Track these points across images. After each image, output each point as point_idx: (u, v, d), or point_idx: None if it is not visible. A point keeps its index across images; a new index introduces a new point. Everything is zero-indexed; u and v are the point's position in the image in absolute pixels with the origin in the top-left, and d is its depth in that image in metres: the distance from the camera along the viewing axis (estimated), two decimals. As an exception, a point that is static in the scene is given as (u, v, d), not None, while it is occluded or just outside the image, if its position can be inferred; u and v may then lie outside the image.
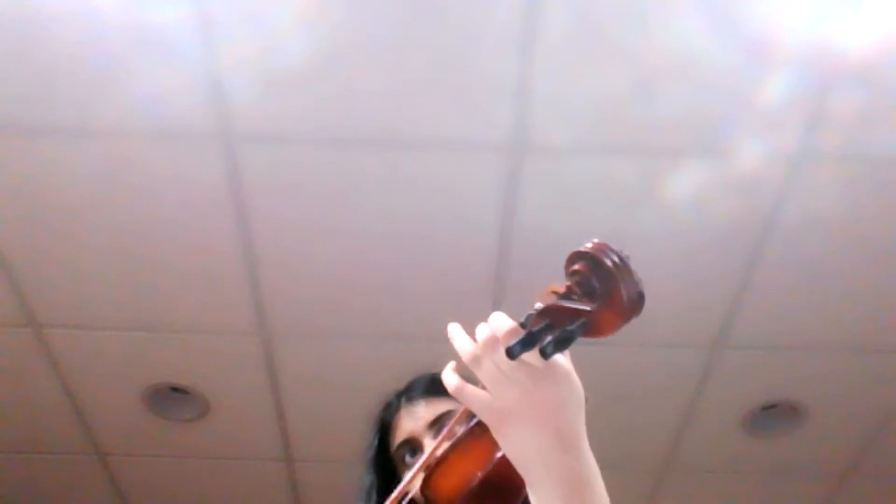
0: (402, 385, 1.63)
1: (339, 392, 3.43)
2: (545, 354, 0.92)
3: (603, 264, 0.92)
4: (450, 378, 1.02)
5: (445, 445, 1.18)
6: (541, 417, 0.97)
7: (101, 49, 2.35)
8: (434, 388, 1.54)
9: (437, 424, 1.52)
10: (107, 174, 2.68)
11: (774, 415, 3.50)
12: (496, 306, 3.29)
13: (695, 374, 3.32)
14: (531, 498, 1.01)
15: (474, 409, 1.00)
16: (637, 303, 0.91)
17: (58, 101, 2.48)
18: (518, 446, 0.99)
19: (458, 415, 1.14)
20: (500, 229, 2.81)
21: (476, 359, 0.99)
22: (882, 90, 2.42)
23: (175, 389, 3.46)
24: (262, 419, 3.57)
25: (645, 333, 3.10)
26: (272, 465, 3.84)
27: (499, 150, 2.59)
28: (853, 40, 2.30)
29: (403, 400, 1.58)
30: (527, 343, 0.92)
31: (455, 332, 1.02)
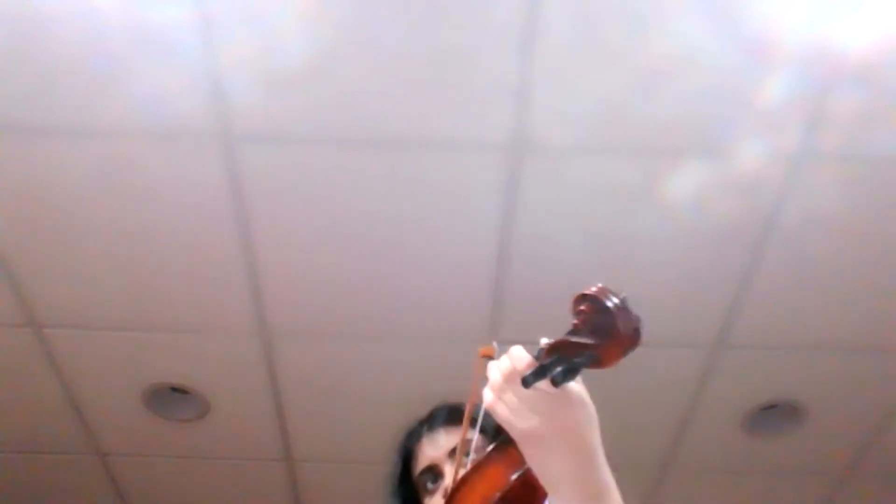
0: (424, 413, 1.68)
1: (339, 392, 3.43)
2: (555, 383, 1.05)
3: (604, 305, 1.04)
4: (487, 395, 1.16)
5: (463, 470, 1.31)
6: (560, 438, 1.11)
7: (101, 49, 2.35)
8: (455, 417, 1.61)
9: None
10: (107, 174, 2.68)
11: (774, 415, 3.50)
12: (496, 306, 3.32)
13: (695, 374, 3.32)
14: None
15: (505, 427, 1.15)
16: (634, 338, 1.05)
17: (58, 101, 2.48)
18: (542, 463, 1.14)
19: (473, 444, 1.31)
20: (500, 229, 2.80)
21: (501, 389, 1.14)
22: (882, 90, 2.42)
23: (175, 389, 3.46)
24: (262, 419, 3.57)
25: (645, 333, 3.10)
26: (272, 465, 3.84)
27: (499, 151, 2.59)
28: (853, 40, 2.30)
29: (425, 428, 1.63)
30: (538, 374, 1.05)
31: (491, 365, 1.17)
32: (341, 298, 3.06)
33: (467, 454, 1.46)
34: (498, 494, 1.20)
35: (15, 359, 3.33)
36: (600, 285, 1.06)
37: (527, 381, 1.06)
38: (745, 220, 2.77)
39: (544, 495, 1.16)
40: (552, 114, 2.49)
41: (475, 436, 1.39)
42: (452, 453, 1.56)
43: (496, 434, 1.23)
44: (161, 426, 3.63)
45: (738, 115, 2.49)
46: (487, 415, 1.27)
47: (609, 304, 1.03)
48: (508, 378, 1.12)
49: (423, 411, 1.67)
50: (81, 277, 2.99)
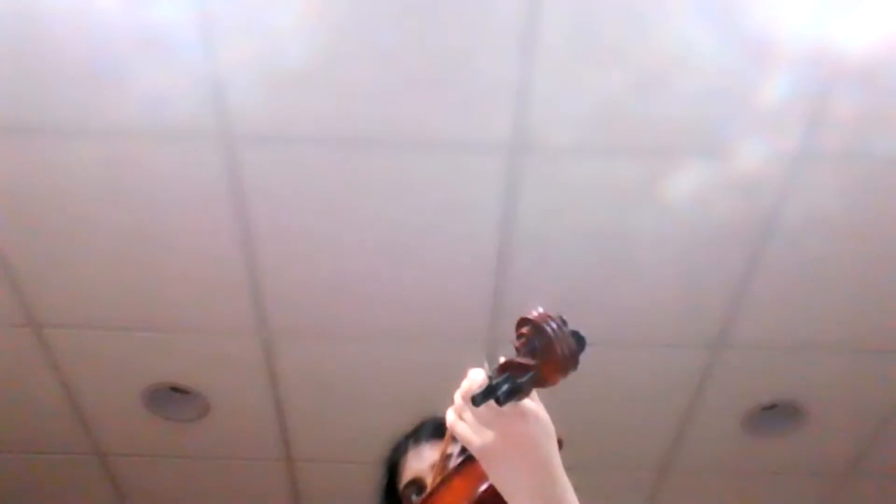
0: (420, 415, 1.70)
1: (338, 392, 3.43)
2: (498, 402, 1.10)
3: (543, 329, 1.10)
4: (449, 415, 1.21)
5: (436, 481, 1.35)
6: (514, 452, 1.16)
7: (101, 49, 2.35)
8: (440, 431, 1.62)
9: None
10: (107, 174, 2.68)
11: (774, 415, 3.50)
12: (496, 306, 3.31)
13: (695, 374, 3.31)
14: None
15: (465, 445, 1.20)
16: (571, 359, 1.08)
17: (58, 101, 2.48)
18: (500, 477, 1.18)
19: (453, 456, 1.34)
20: (500, 230, 2.80)
21: (460, 408, 1.20)
22: (882, 90, 2.42)
23: (175, 389, 3.46)
24: (262, 419, 3.58)
25: (645, 333, 3.10)
26: (272, 465, 3.84)
27: (499, 151, 2.59)
28: (853, 40, 2.30)
29: (411, 442, 1.65)
30: (487, 393, 1.10)
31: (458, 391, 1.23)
32: (341, 298, 3.06)
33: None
34: None
35: (15, 359, 3.33)
36: (540, 310, 1.12)
37: (475, 400, 1.11)
38: (745, 220, 2.77)
39: None
40: (552, 114, 2.49)
41: (456, 450, 1.40)
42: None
43: None
44: (161, 426, 3.63)
45: (738, 115, 2.49)
46: None
47: (547, 328, 1.09)
48: (465, 397, 1.18)
49: (422, 412, 1.68)
50: (81, 277, 2.99)
